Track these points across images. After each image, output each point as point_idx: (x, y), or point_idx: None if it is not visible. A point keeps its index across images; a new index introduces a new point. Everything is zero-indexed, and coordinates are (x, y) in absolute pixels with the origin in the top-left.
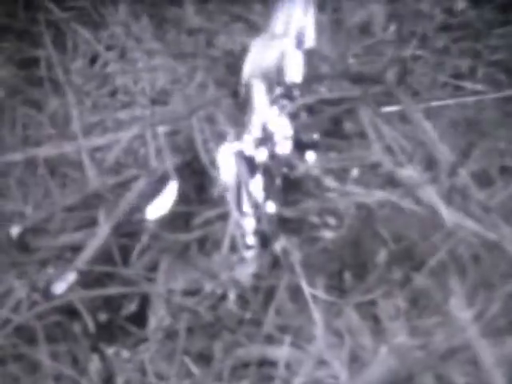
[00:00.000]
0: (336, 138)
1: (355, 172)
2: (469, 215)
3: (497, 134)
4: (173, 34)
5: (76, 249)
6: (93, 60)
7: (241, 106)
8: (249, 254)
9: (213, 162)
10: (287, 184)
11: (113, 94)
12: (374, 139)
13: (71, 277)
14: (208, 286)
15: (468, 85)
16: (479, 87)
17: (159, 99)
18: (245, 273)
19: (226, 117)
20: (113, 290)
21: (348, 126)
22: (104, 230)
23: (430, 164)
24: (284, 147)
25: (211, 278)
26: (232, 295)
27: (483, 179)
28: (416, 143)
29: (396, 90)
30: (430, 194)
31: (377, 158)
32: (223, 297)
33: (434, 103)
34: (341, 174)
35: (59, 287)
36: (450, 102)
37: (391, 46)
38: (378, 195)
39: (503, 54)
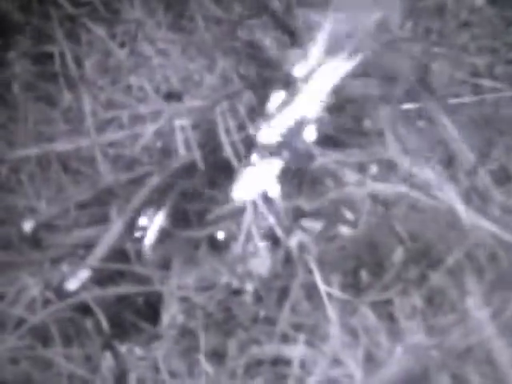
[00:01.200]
0: (355, 134)
1: (374, 169)
2: (487, 215)
3: None
4: (191, 25)
5: (89, 245)
6: (107, 55)
7: (262, 97)
8: (263, 250)
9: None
10: (305, 178)
11: (128, 88)
12: (393, 137)
13: (84, 274)
14: (223, 279)
15: (486, 82)
16: (497, 85)
17: (177, 92)
18: (261, 265)
19: (247, 109)
20: (126, 289)
21: (367, 123)
22: (117, 226)
23: (449, 162)
24: (306, 141)
25: (225, 272)
26: (249, 287)
27: (502, 177)
28: (435, 141)
29: (415, 87)
30: (448, 193)
31: (395, 156)
32: (238, 291)
33: (452, 101)
34: (359, 170)
35: (72, 284)
36: (468, 99)
37: (409, 42)
38: (396, 189)
39: None
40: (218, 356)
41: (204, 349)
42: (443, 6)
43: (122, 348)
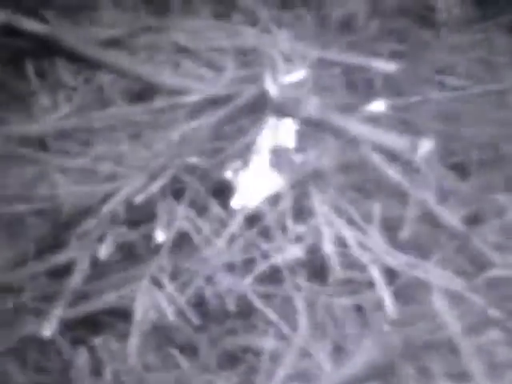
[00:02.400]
0: None
1: None
2: None
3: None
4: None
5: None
6: None
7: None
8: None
9: None
10: None
11: None
12: None
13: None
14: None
15: (450, 80)
16: (460, 82)
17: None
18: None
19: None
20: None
21: None
22: (81, 265)
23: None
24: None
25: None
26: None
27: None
28: None
29: None
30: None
31: None
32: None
33: (415, 98)
34: None
35: (47, 331)
36: (432, 96)
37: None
38: None
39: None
40: (191, 350)
41: (177, 343)
42: (407, 6)
43: (97, 341)
